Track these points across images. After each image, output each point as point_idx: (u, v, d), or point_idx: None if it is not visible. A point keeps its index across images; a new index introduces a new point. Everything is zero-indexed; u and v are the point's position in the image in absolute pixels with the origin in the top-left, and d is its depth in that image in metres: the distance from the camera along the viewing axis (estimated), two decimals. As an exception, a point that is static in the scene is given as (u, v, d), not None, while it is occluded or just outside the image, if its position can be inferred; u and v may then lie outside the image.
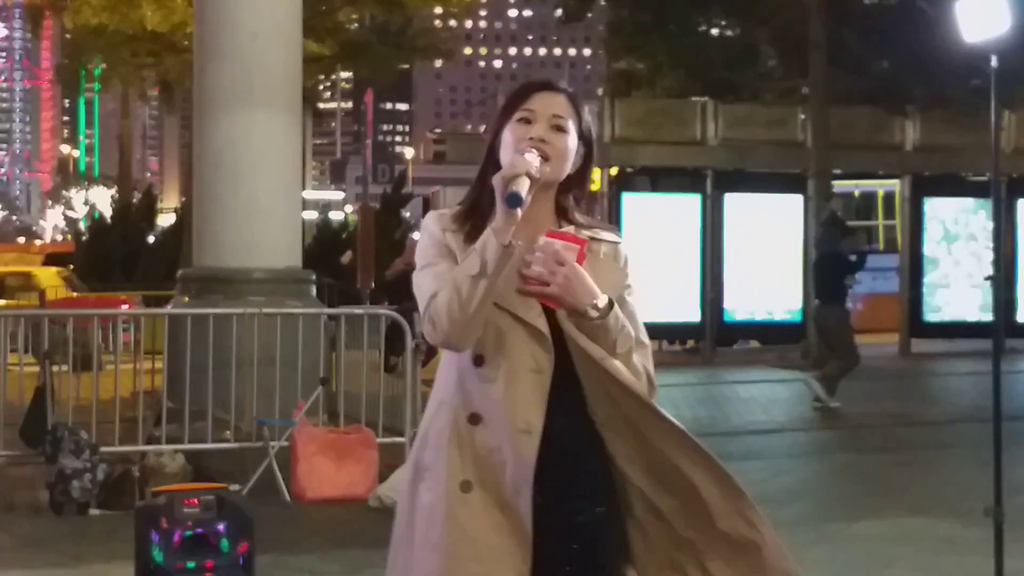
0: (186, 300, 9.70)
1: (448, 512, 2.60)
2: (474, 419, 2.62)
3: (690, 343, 18.76)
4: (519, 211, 2.51)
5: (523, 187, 2.51)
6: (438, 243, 2.68)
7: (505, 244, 2.50)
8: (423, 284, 2.64)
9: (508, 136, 2.68)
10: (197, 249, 9.98)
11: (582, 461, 2.64)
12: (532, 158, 2.58)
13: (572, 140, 2.70)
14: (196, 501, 6.22)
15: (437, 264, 2.64)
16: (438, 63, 26.65)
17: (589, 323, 2.58)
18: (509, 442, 2.58)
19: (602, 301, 2.59)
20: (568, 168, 2.71)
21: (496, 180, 2.55)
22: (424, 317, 2.59)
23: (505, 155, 2.66)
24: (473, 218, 2.69)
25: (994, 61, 6.06)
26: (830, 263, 12.76)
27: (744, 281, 18.13)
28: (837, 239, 13.17)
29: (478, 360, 2.63)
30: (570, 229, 2.70)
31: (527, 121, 2.67)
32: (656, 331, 14.76)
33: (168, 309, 9.97)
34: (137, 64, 20.90)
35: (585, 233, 2.69)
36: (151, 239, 26.91)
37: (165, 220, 34.67)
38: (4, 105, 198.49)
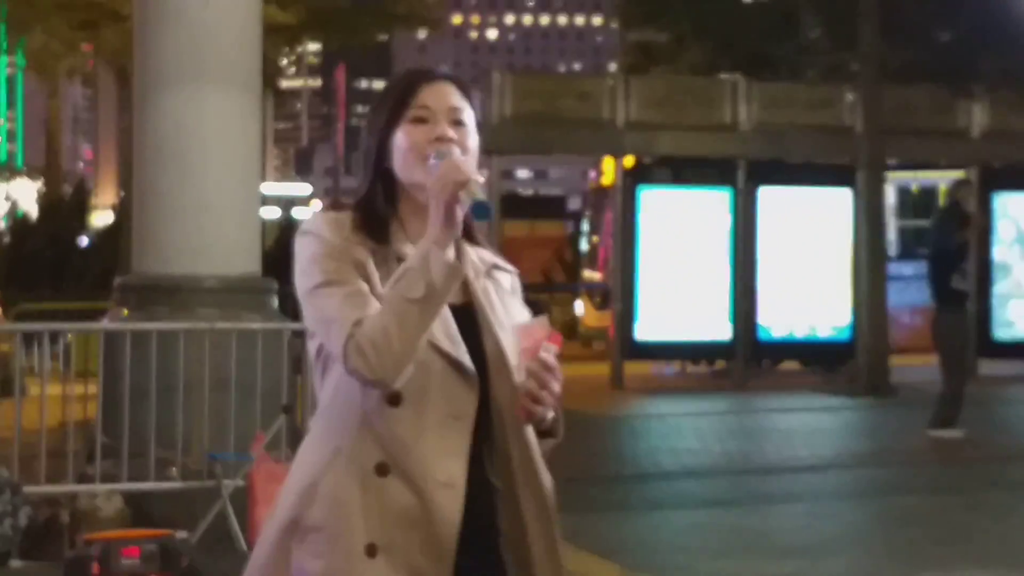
0: (125, 313, 9.69)
1: None
2: (382, 469, 2.60)
3: (719, 364, 18.77)
4: (459, 224, 2.58)
5: (479, 194, 2.56)
6: (340, 255, 2.65)
7: (453, 262, 2.54)
8: (329, 307, 2.61)
9: (403, 140, 2.70)
10: (138, 253, 9.98)
11: (497, 521, 2.70)
12: (463, 160, 2.63)
13: (474, 135, 2.75)
14: (136, 551, 6.23)
15: (346, 283, 2.62)
16: (422, 34, 26.64)
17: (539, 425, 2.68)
18: (427, 497, 2.58)
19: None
20: (476, 166, 2.73)
21: (437, 184, 2.56)
22: (347, 347, 2.55)
23: (405, 162, 2.69)
24: (368, 231, 2.69)
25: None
26: (941, 262, 12.71)
27: (782, 291, 18.14)
28: (950, 234, 12.92)
29: (393, 399, 2.62)
30: (470, 248, 2.74)
31: (422, 120, 2.70)
32: (679, 350, 14.85)
33: (103, 324, 9.96)
34: (74, 37, 20.89)
35: (487, 258, 2.77)
36: (84, 241, 26.92)
37: (100, 219, 34.67)
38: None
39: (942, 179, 22.40)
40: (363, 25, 21.87)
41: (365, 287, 2.61)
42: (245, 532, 7.83)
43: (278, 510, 2.69)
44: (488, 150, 17.85)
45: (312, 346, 2.76)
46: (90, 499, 7.90)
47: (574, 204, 36.44)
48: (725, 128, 18.56)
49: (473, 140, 2.73)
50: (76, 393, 9.04)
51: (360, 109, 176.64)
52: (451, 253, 2.54)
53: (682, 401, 15.76)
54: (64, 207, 28.32)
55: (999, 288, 19.45)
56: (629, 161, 18.23)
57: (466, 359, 2.64)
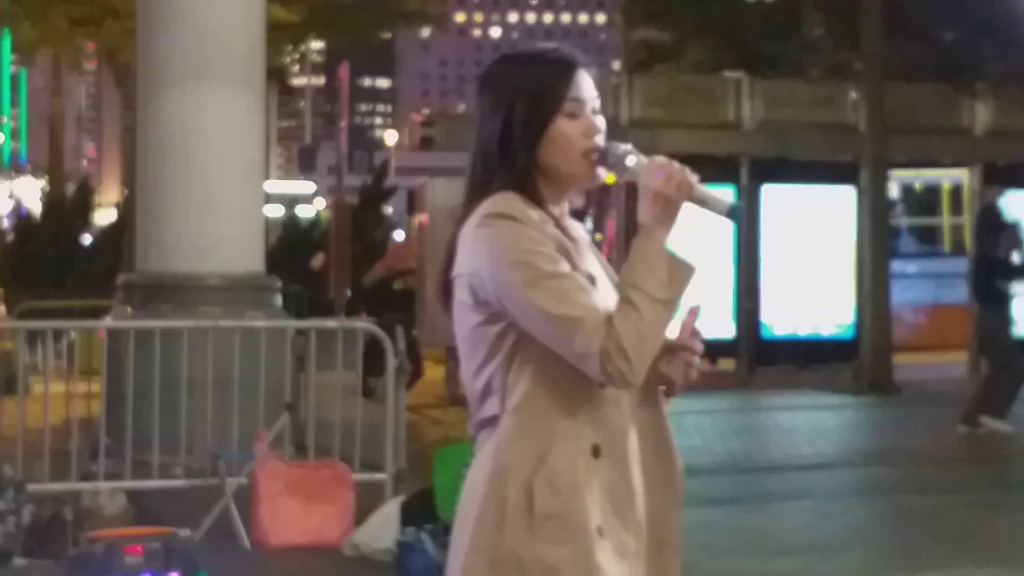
0: (128, 311, 9.69)
1: (598, 567, 2.56)
2: (596, 451, 2.63)
3: (723, 363, 18.74)
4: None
5: (728, 198, 2.71)
6: (552, 242, 2.65)
7: (693, 263, 2.65)
8: (562, 303, 2.55)
9: (563, 134, 2.70)
10: (141, 251, 9.98)
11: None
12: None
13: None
14: (140, 549, 6.23)
15: (568, 274, 2.60)
16: (425, 32, 26.62)
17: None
18: (628, 473, 2.64)
19: None
20: None
21: (670, 190, 2.68)
22: (605, 347, 2.52)
23: (565, 155, 2.70)
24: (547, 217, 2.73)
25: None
26: (985, 265, 13.04)
27: (786, 289, 18.12)
28: (991, 236, 13.26)
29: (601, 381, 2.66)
30: (576, 222, 2.79)
31: (574, 115, 2.71)
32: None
33: (107, 322, 9.96)
34: (72, 32, 20.88)
35: (584, 230, 2.81)
36: (87, 239, 26.91)
37: (104, 217, 34.68)
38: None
39: (945, 177, 22.40)
40: (366, 23, 21.86)
41: (578, 277, 2.61)
42: (248, 530, 7.83)
43: (479, 522, 2.59)
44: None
45: (493, 331, 2.65)
46: (94, 497, 7.90)
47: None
48: (728, 126, 18.54)
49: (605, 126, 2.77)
50: (80, 391, 9.04)
51: (364, 107, 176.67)
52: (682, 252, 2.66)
53: (685, 399, 15.72)
54: (68, 205, 28.31)
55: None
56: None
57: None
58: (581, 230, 2.77)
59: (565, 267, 2.58)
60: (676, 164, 2.66)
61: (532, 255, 2.57)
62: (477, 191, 2.70)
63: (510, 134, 2.68)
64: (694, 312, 2.72)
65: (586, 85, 2.73)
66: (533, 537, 2.55)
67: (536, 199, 2.68)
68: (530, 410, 2.61)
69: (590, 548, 2.55)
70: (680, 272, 2.57)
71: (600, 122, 2.74)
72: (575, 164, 2.69)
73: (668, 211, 2.62)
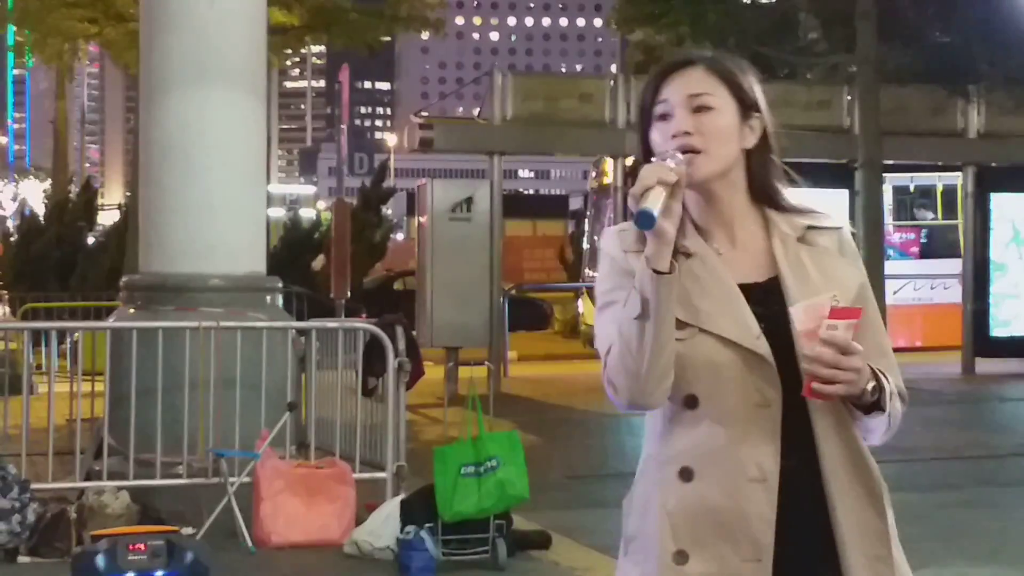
0: (131, 311, 9.69)
1: None
2: (686, 474, 2.52)
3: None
4: (663, 230, 2.40)
5: (655, 202, 2.40)
6: (619, 270, 2.56)
7: (660, 271, 2.41)
8: (601, 330, 2.54)
9: (654, 139, 2.61)
10: (144, 252, 9.97)
11: (820, 513, 2.54)
12: (664, 164, 2.48)
13: (726, 116, 2.60)
14: (143, 547, 6.23)
15: (616, 302, 2.52)
16: (425, 35, 26.54)
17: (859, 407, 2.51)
18: (739, 496, 2.48)
19: (875, 377, 2.51)
20: (735, 148, 2.61)
21: (629, 200, 2.45)
22: (604, 377, 2.51)
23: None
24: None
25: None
26: None
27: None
28: None
29: (690, 401, 2.52)
30: (778, 217, 2.62)
31: (665, 117, 2.59)
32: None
33: (110, 322, 9.96)
34: (73, 34, 20.89)
35: (799, 221, 2.62)
36: (91, 240, 26.91)
37: (107, 218, 34.67)
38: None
39: (939, 179, 22.42)
40: (366, 26, 21.87)
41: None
42: (250, 529, 7.83)
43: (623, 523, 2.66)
44: (490, 150, 17.93)
45: None
46: (97, 496, 7.90)
47: (576, 203, 36.40)
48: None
49: (723, 122, 2.59)
50: (83, 391, 9.04)
51: (364, 110, 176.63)
52: (662, 263, 2.41)
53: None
54: (71, 207, 28.31)
55: (996, 288, 19.45)
56: (630, 161, 18.21)
57: (758, 344, 2.50)
58: (779, 224, 2.62)
59: (618, 300, 2.52)
60: (647, 169, 2.47)
61: (598, 287, 2.60)
62: None
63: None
64: (815, 316, 2.45)
65: (677, 85, 2.60)
66: (624, 555, 2.61)
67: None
68: (647, 428, 2.64)
69: (661, 571, 2.51)
70: (645, 282, 2.43)
71: (699, 121, 2.57)
72: None
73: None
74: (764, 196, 2.64)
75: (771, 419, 2.49)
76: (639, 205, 2.40)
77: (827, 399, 2.46)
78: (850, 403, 2.50)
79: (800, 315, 2.47)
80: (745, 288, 2.55)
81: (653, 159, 2.55)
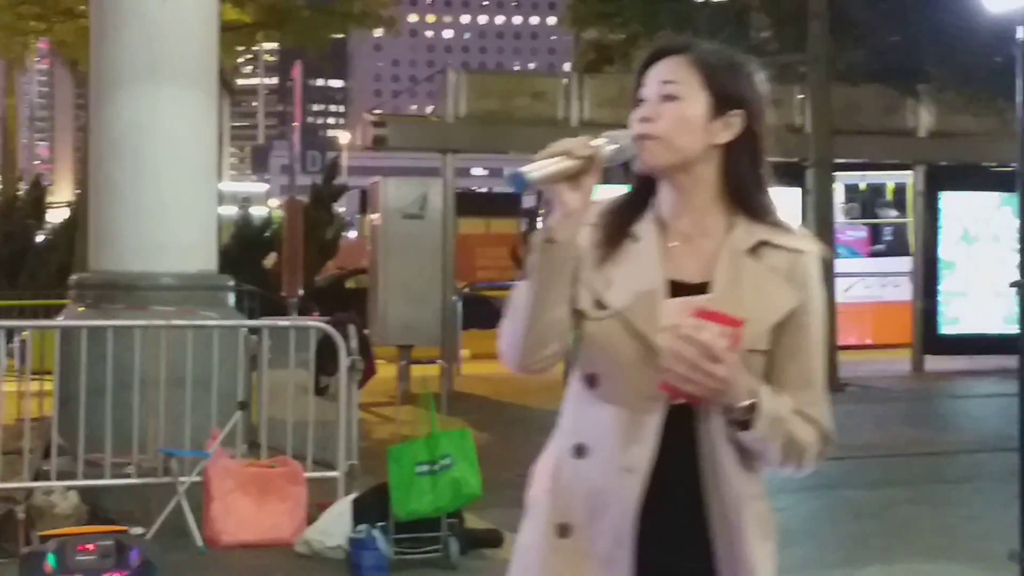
0: (81, 310, 9.63)
1: (542, 559, 2.57)
2: (579, 451, 2.55)
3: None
4: (565, 201, 2.43)
5: (544, 168, 2.42)
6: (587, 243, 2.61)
7: (549, 239, 2.43)
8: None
9: (632, 122, 2.60)
10: (94, 250, 9.91)
11: (693, 508, 2.53)
12: (584, 139, 2.46)
13: (691, 107, 2.54)
14: (92, 547, 6.19)
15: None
16: (377, 32, 26.48)
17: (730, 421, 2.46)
18: (611, 482, 2.50)
19: (756, 395, 2.45)
20: (698, 140, 2.55)
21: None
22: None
23: None
24: (609, 215, 2.60)
25: (1021, 34, 6.12)
26: None
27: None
28: None
29: (591, 380, 2.56)
30: (744, 223, 2.56)
31: (641, 101, 2.59)
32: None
33: (59, 321, 9.89)
34: (22, 31, 20.72)
35: (759, 234, 2.55)
36: (40, 238, 26.70)
37: (56, 216, 34.39)
38: None
39: (889, 178, 22.60)
40: (319, 24, 21.80)
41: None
42: (201, 528, 7.80)
43: None
44: (443, 149, 17.92)
45: None
46: (45, 496, 7.84)
47: (529, 202, 36.40)
48: (771, 128, 18.55)
49: (685, 111, 2.53)
50: (32, 390, 8.97)
51: (316, 107, 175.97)
52: (559, 232, 2.43)
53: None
54: (20, 204, 28.08)
55: (945, 286, 19.60)
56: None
57: (659, 337, 2.47)
58: (739, 231, 2.57)
59: None
60: (567, 140, 2.47)
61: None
62: None
63: None
64: (686, 314, 2.44)
65: (656, 71, 2.58)
66: (526, 519, 2.65)
67: (631, 195, 2.64)
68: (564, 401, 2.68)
69: (542, 543, 2.56)
70: (534, 245, 2.46)
71: (661, 108, 2.55)
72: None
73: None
74: (735, 198, 2.59)
75: (656, 413, 2.49)
76: (529, 168, 2.42)
77: (681, 397, 2.44)
78: (723, 415, 2.47)
79: (676, 311, 2.46)
80: (678, 285, 2.54)
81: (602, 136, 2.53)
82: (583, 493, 2.53)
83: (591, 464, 2.53)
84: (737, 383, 2.42)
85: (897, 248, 22.95)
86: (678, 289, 2.53)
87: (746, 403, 2.44)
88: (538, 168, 2.42)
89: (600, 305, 2.53)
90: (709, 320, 2.40)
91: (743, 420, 2.45)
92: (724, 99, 2.56)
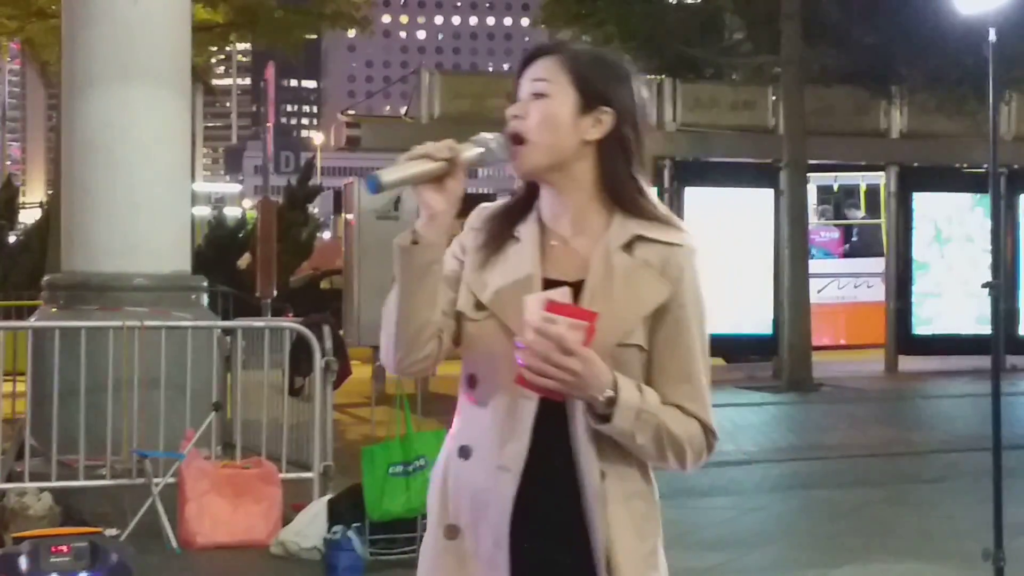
0: (53, 311, 9.59)
1: (433, 561, 2.59)
2: (464, 452, 2.58)
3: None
4: (428, 203, 2.46)
5: (403, 171, 2.44)
6: (455, 243, 2.64)
7: (405, 244, 2.47)
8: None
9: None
10: (66, 251, 9.88)
11: (571, 504, 2.53)
12: (449, 141, 2.49)
13: (558, 105, 2.56)
14: (66, 548, 6.16)
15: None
16: (351, 33, 26.44)
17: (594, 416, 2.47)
18: (489, 481, 2.52)
19: (616, 388, 2.44)
20: (567, 139, 2.56)
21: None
22: None
23: None
24: (493, 219, 2.64)
25: (993, 36, 6.15)
26: None
27: (708, 288, 18.22)
28: None
29: (471, 381, 2.58)
30: (621, 220, 2.57)
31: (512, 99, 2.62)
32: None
33: (32, 322, 9.85)
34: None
35: (634, 230, 2.56)
36: (12, 239, 26.59)
37: (29, 217, 34.25)
38: None
39: (862, 179, 22.66)
40: (292, 24, 21.77)
41: (449, 277, 2.58)
42: (175, 530, 7.77)
43: None
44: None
45: None
46: (18, 497, 7.81)
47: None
48: (650, 129, 18.59)
49: (552, 110, 2.54)
50: (4, 391, 8.94)
51: (290, 108, 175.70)
52: (425, 233, 2.47)
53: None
54: (-8, 205, 27.92)
55: (918, 286, 19.67)
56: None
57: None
58: (614, 226, 2.58)
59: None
60: (429, 144, 2.49)
61: None
62: None
63: None
64: (537, 307, 2.43)
65: (530, 70, 2.61)
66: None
67: (518, 197, 2.66)
68: None
69: (433, 544, 2.60)
70: (395, 252, 2.52)
71: (521, 105, 2.57)
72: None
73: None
74: (611, 195, 2.60)
75: (529, 411, 2.50)
76: (381, 171, 2.44)
77: (536, 391, 2.44)
78: (588, 410, 2.47)
79: (530, 305, 2.45)
80: (555, 284, 2.54)
81: (472, 139, 2.56)
82: (468, 494, 2.56)
83: (474, 465, 2.55)
84: (594, 376, 2.41)
85: (863, 249, 23.04)
86: (554, 288, 2.53)
87: (605, 396, 2.43)
88: (395, 171, 2.44)
89: (479, 306, 2.56)
90: (560, 313, 2.40)
91: (605, 414, 2.45)
92: (592, 96, 2.58)
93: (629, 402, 2.45)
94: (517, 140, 2.56)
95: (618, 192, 2.59)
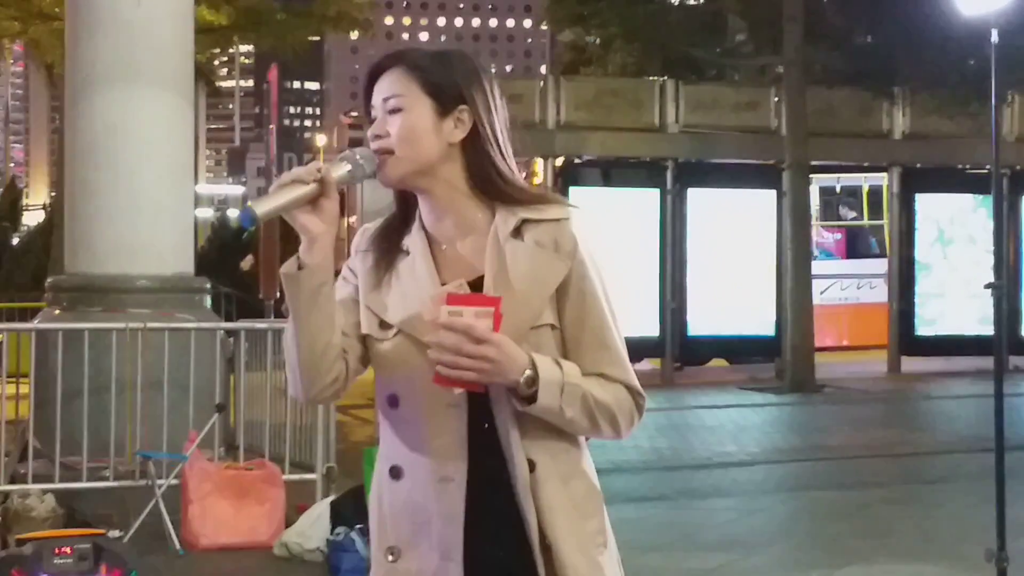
0: (57, 313, 9.59)
1: None
2: (395, 472, 2.58)
3: (655, 362, 18.84)
4: (306, 227, 2.45)
5: (271, 202, 2.43)
6: (344, 269, 2.65)
7: (291, 271, 2.46)
8: None
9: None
10: (70, 253, 9.88)
11: (511, 502, 2.54)
12: (314, 164, 2.49)
13: (415, 115, 2.56)
14: (69, 550, 6.17)
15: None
16: (353, 35, 26.46)
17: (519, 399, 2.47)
18: (433, 495, 2.52)
19: (535, 367, 2.45)
20: (431, 145, 2.56)
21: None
22: None
23: None
24: (379, 239, 2.65)
25: (995, 37, 6.15)
26: None
27: (710, 290, 18.25)
28: None
29: (392, 400, 2.57)
30: (503, 211, 2.57)
31: (373, 120, 2.61)
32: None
33: (35, 323, 9.85)
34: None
35: (520, 214, 2.57)
36: (15, 240, 26.62)
37: (32, 218, 34.29)
38: None
39: (865, 180, 22.66)
40: (295, 26, 21.80)
41: (345, 301, 2.58)
42: (178, 531, 7.78)
43: None
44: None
45: None
46: (22, 499, 7.82)
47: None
48: (653, 130, 18.64)
49: (410, 122, 2.55)
50: (8, 393, 8.94)
51: (292, 110, 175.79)
52: (308, 257, 2.46)
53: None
54: (-5, 207, 27.96)
55: (921, 287, 19.67)
56: (559, 162, 18.25)
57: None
58: (498, 219, 2.58)
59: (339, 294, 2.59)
60: (296, 170, 2.49)
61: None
62: None
63: None
64: (439, 302, 2.46)
65: (378, 88, 2.60)
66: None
67: (394, 216, 2.67)
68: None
69: (377, 568, 2.61)
70: (283, 278, 2.49)
71: (389, 122, 2.57)
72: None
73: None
74: (485, 189, 2.60)
75: (459, 419, 2.51)
76: (258, 202, 2.43)
77: (457, 385, 2.44)
78: (512, 395, 2.47)
79: (432, 305, 2.47)
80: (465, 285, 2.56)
81: (338, 157, 2.56)
82: (406, 513, 2.56)
83: (408, 483, 2.55)
84: (510, 359, 2.42)
85: (861, 250, 23.05)
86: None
87: (524, 377, 2.44)
88: (268, 201, 2.44)
89: (384, 325, 2.55)
90: (463, 304, 2.42)
91: (529, 395, 2.46)
92: (446, 98, 2.58)
93: (550, 377, 2.46)
94: (384, 153, 2.55)
95: (491, 184, 2.60)
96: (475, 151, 2.59)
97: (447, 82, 2.58)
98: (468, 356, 2.39)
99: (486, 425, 2.52)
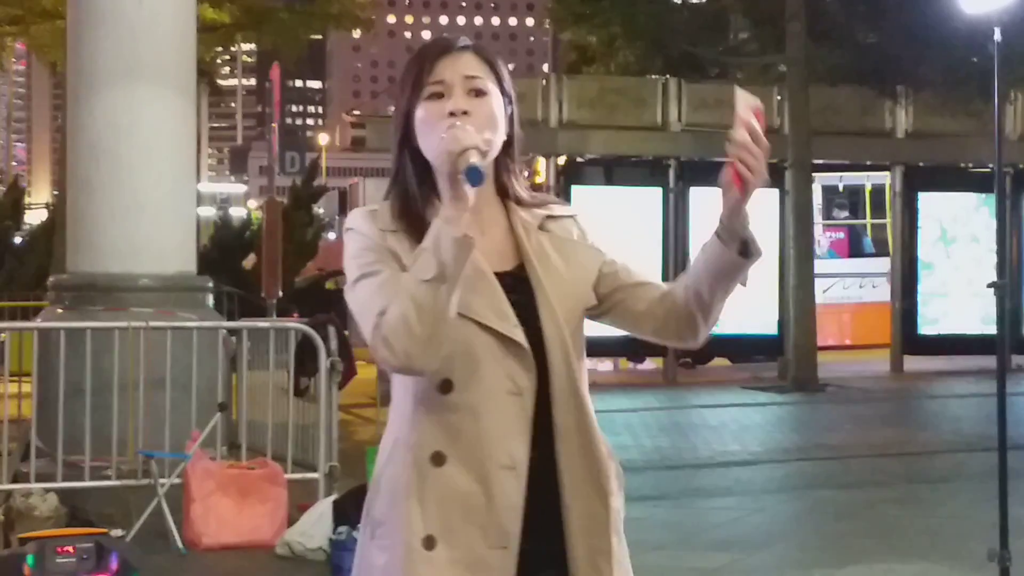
0: (59, 311, 9.59)
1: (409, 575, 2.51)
2: (438, 459, 2.51)
3: (657, 361, 18.85)
4: (473, 191, 2.40)
5: (479, 160, 2.41)
6: (377, 247, 2.55)
7: (460, 236, 2.39)
8: (364, 298, 2.49)
9: (421, 118, 2.57)
10: (72, 251, 9.88)
11: (552, 493, 2.54)
12: (471, 130, 2.46)
13: (497, 102, 2.59)
14: (72, 549, 6.17)
15: (379, 272, 2.50)
16: (356, 33, 26.47)
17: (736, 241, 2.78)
18: (489, 483, 2.48)
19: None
20: (502, 136, 2.60)
21: (439, 159, 2.44)
22: (374, 338, 2.43)
23: (427, 140, 2.54)
24: (408, 216, 2.58)
25: (998, 35, 6.14)
26: None
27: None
28: None
29: (444, 386, 2.51)
30: (517, 211, 2.63)
31: (439, 96, 2.56)
32: (611, 347, 14.84)
33: (37, 322, 9.85)
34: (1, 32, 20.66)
35: (538, 212, 2.64)
36: (18, 240, 26.62)
37: (34, 217, 34.30)
38: None
39: (867, 179, 22.66)
40: (297, 25, 21.80)
41: (396, 275, 2.49)
42: (180, 530, 7.78)
43: (364, 504, 2.65)
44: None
45: None
46: (24, 498, 7.82)
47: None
48: (656, 128, 18.64)
49: (493, 107, 2.57)
50: (10, 392, 8.94)
51: (295, 108, 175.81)
52: (460, 227, 2.39)
53: (616, 397, 15.80)
54: (-2, 206, 27.96)
55: (924, 286, 19.66)
56: (562, 160, 18.25)
57: (516, 332, 2.50)
58: (519, 214, 2.62)
59: (381, 271, 2.51)
60: (451, 134, 2.45)
61: (353, 263, 2.56)
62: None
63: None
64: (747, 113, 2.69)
65: (452, 65, 2.58)
66: (370, 539, 2.59)
67: (408, 198, 2.61)
68: (392, 412, 2.63)
69: (409, 557, 2.51)
70: (446, 245, 2.39)
71: (475, 103, 2.56)
72: (429, 148, 2.54)
73: (444, 185, 2.47)
74: (505, 188, 2.65)
75: (523, 407, 2.51)
76: (466, 162, 2.39)
77: (747, 185, 2.75)
78: (731, 250, 2.78)
79: (742, 100, 2.71)
80: (496, 276, 2.55)
81: (443, 133, 2.48)
82: (449, 501, 2.50)
83: (456, 470, 2.51)
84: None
85: (856, 249, 23.05)
86: (498, 280, 2.56)
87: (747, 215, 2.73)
88: (477, 159, 2.42)
89: None
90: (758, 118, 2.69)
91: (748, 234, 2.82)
92: (507, 95, 2.64)
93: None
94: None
95: (511, 183, 2.66)
96: (505, 152, 2.63)
97: (505, 78, 2.64)
98: (759, 158, 2.69)
99: (543, 415, 2.52)
